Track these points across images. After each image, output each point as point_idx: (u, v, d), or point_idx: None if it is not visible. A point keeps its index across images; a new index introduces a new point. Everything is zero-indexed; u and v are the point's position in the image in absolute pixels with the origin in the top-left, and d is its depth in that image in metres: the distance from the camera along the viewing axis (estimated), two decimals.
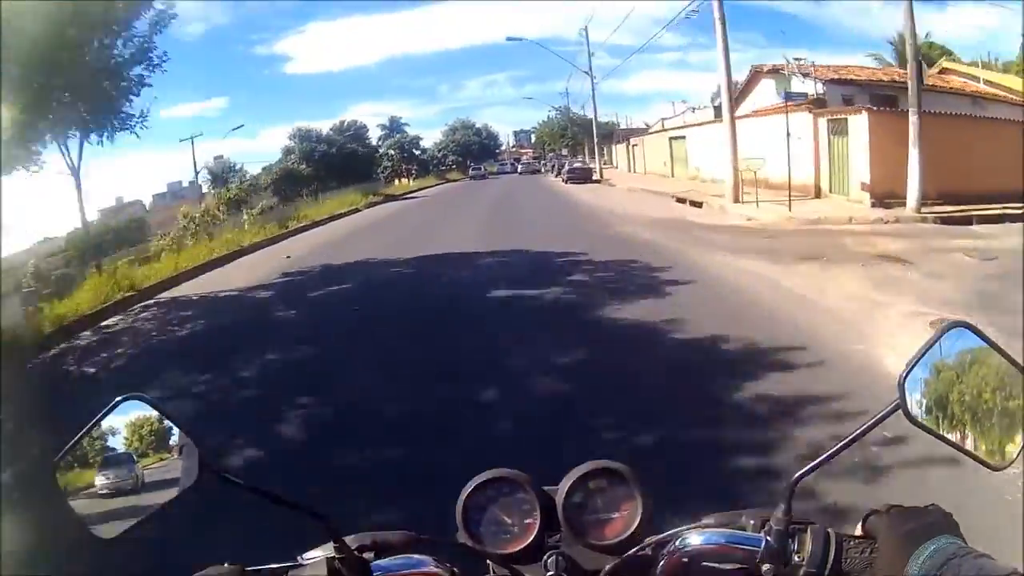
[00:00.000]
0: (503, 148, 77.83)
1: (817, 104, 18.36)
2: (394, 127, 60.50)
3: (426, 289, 9.74)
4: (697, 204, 18.58)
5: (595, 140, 40.57)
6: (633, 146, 41.08)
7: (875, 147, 14.97)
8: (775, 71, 22.88)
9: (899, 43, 27.07)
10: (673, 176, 30.32)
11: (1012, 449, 0.72)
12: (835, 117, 17.08)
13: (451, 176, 61.22)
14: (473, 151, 67.12)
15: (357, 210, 28.95)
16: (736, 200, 17.25)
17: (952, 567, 0.62)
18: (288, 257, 14.81)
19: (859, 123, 15.77)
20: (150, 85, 13.97)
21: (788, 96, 16.53)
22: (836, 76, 20.38)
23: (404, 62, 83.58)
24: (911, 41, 14.04)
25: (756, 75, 24.09)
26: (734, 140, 17.57)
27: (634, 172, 39.86)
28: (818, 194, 17.02)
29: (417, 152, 60.89)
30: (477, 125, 69.78)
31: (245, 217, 22.89)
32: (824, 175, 17.34)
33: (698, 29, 72.38)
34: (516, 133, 79.33)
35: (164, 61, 14.00)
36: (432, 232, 16.58)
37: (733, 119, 17.77)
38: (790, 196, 15.14)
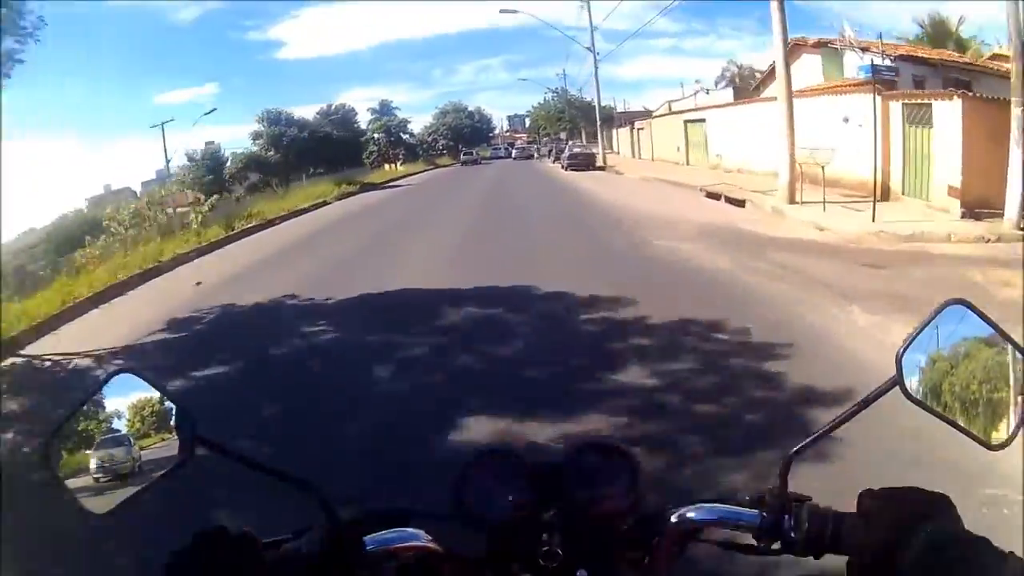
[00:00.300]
0: (496, 133, 74.18)
1: (886, 85, 14.53)
2: (384, 111, 56.68)
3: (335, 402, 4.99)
4: (738, 203, 14.77)
5: (598, 122, 36.26)
6: (638, 130, 36.96)
7: (968, 142, 11.42)
8: (822, 45, 19.06)
9: (930, 25, 24.08)
10: (688, 163, 26.51)
11: (1009, 429, 0.71)
12: (915, 102, 13.25)
13: (441, 161, 57.19)
14: (465, 135, 63.09)
15: (325, 203, 25.00)
16: (792, 200, 13.53)
17: (949, 550, 0.62)
18: (198, 284, 10.93)
19: (948, 111, 11.99)
20: (22, 61, 10.89)
21: (875, 71, 12.59)
22: (906, 53, 16.52)
23: (397, 47, 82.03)
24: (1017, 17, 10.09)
25: (796, 49, 20.20)
26: (791, 124, 13.76)
27: (639, 158, 35.94)
28: (886, 195, 13.25)
29: (406, 136, 56.83)
30: (469, 108, 65.72)
31: (193, 215, 18.81)
32: (895, 172, 13.63)
33: (692, 15, 72.96)
34: (510, 118, 76.39)
35: (39, 28, 10.81)
36: (393, 247, 12.65)
37: (790, 97, 13.92)
38: (875, 201, 11.36)
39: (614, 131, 47.90)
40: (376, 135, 53.11)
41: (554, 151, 41.50)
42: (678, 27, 67.88)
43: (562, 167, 31.80)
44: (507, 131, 75.66)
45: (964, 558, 0.61)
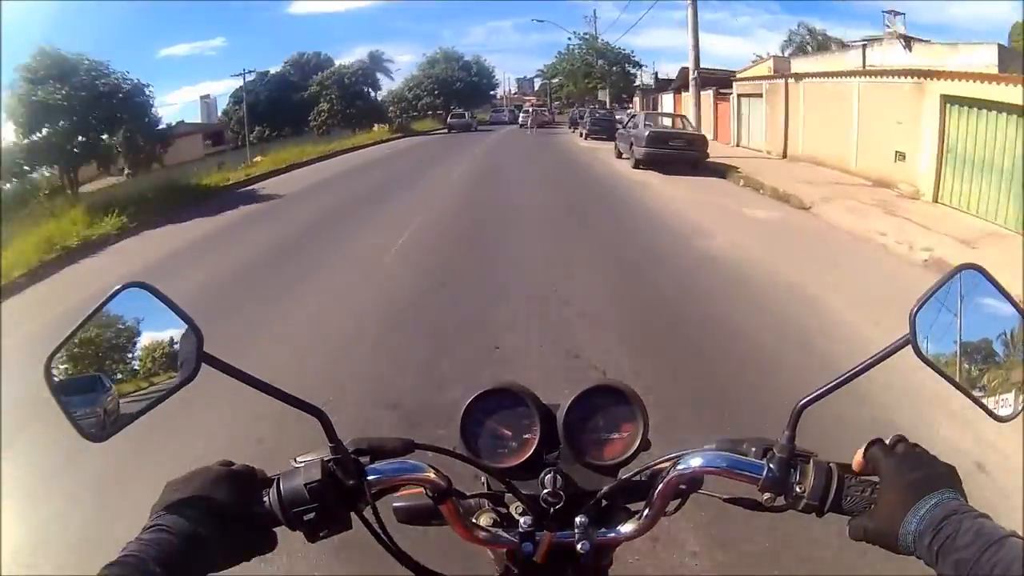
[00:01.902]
0: (501, 95, 58.57)
1: None
2: (375, 66, 44.78)
3: None
4: None
5: (695, 72, 19.43)
6: (746, 98, 20.99)
7: None
8: None
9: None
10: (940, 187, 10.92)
11: (1019, 402, 0.69)
12: None
13: (421, 125, 41.18)
14: (458, 91, 46.95)
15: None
16: None
17: (952, 523, 0.61)
18: None
19: None
20: None
21: None
22: None
23: (408, 6, 74.30)
24: None
25: None
26: None
27: (744, 146, 20.38)
28: None
29: (369, 91, 40.74)
30: (466, 58, 49.30)
31: None
32: None
33: None
34: (519, 80, 65.15)
35: None
36: None
37: None
38: None
39: (660, 98, 32.89)
40: (327, 93, 37.08)
41: (594, 122, 25.84)
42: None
43: (632, 158, 15.71)
44: (515, 93, 62.83)
45: (967, 532, 0.59)
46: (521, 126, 34.82)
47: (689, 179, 13.42)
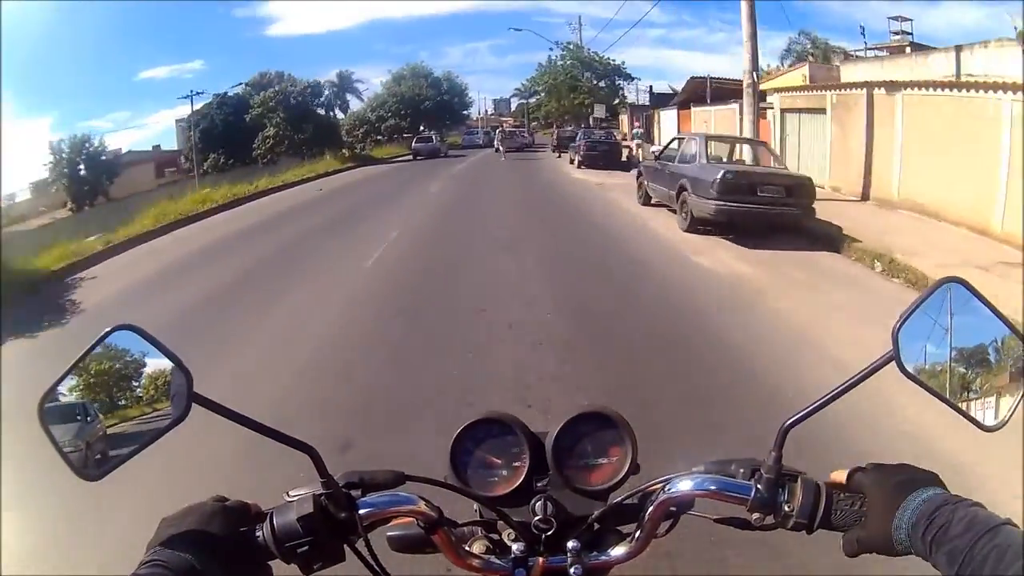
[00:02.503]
0: (476, 115, 53.80)
1: None
2: (345, 86, 41.30)
3: None
4: None
5: (752, 76, 12.70)
6: (803, 112, 15.48)
7: None
8: None
9: None
10: None
11: (1004, 411, 0.68)
12: None
13: (382, 151, 35.73)
14: (427, 111, 41.69)
15: None
16: None
17: (944, 513, 0.60)
18: None
19: None
20: None
21: None
22: None
23: (387, 26, 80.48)
24: None
25: None
26: None
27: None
28: None
29: (329, 113, 35.30)
30: (435, 73, 44.07)
31: None
32: None
33: (683, 6, 65.36)
34: (496, 101, 62.96)
35: None
36: None
37: None
38: None
39: (658, 116, 28.08)
40: (270, 114, 31.49)
41: (584, 145, 20.41)
42: (669, 17, 68.06)
43: (679, 217, 9.55)
44: (491, 114, 58.99)
45: (959, 521, 0.59)
46: (497, 150, 29.42)
47: (782, 256, 7.88)
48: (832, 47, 32.40)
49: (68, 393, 0.69)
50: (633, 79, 33.38)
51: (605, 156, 19.11)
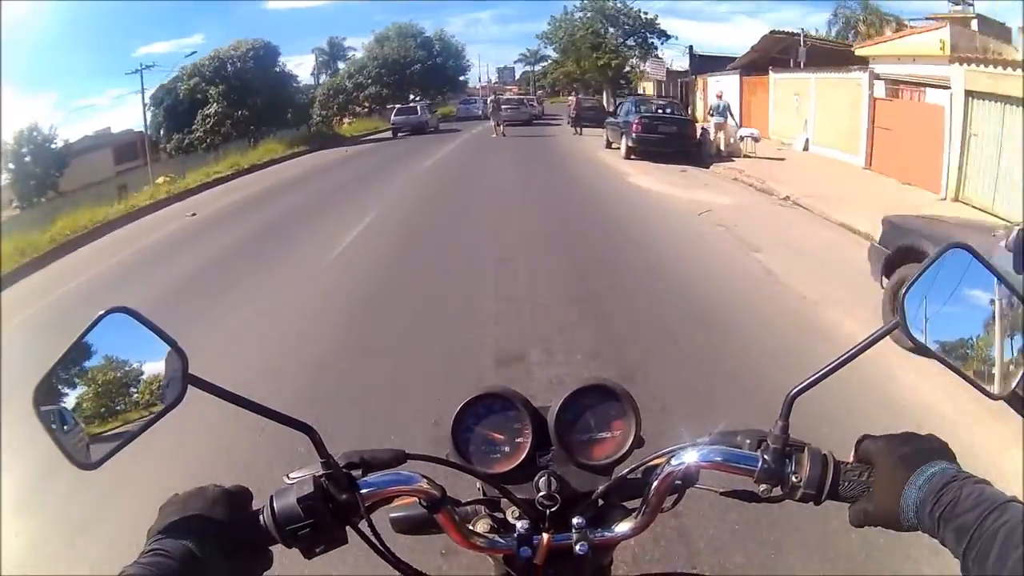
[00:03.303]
0: (476, 83, 46.58)
1: None
2: (336, 55, 36.70)
3: None
4: None
5: None
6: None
7: None
8: None
9: None
10: None
11: (1010, 378, 0.67)
12: None
13: (356, 127, 28.83)
14: (415, 77, 34.52)
15: None
16: None
17: (951, 490, 0.59)
18: None
19: None
20: None
21: None
22: None
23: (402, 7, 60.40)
24: None
25: None
26: None
27: (972, 201, 8.42)
28: None
29: (290, 83, 28.04)
30: (426, 32, 36.68)
31: None
32: None
33: None
34: (500, 70, 53.59)
35: None
36: None
37: None
38: None
39: (697, 84, 21.16)
40: (209, 89, 24.16)
41: (638, 120, 12.85)
42: None
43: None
44: (495, 83, 50.22)
45: (967, 497, 0.57)
46: (497, 126, 22.38)
47: None
48: (885, 15, 25.63)
49: (64, 380, 0.66)
50: (669, 37, 26.14)
51: (671, 142, 12.18)
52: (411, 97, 34.95)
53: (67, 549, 2.56)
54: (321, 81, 34.53)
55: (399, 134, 25.66)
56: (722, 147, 12.62)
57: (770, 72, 16.75)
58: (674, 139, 12.31)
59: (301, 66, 37.34)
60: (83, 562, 2.43)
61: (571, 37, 26.54)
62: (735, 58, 27.32)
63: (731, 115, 13.33)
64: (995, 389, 0.67)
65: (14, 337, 5.30)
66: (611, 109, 24.75)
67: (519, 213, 8.44)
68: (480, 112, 30.66)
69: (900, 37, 13.87)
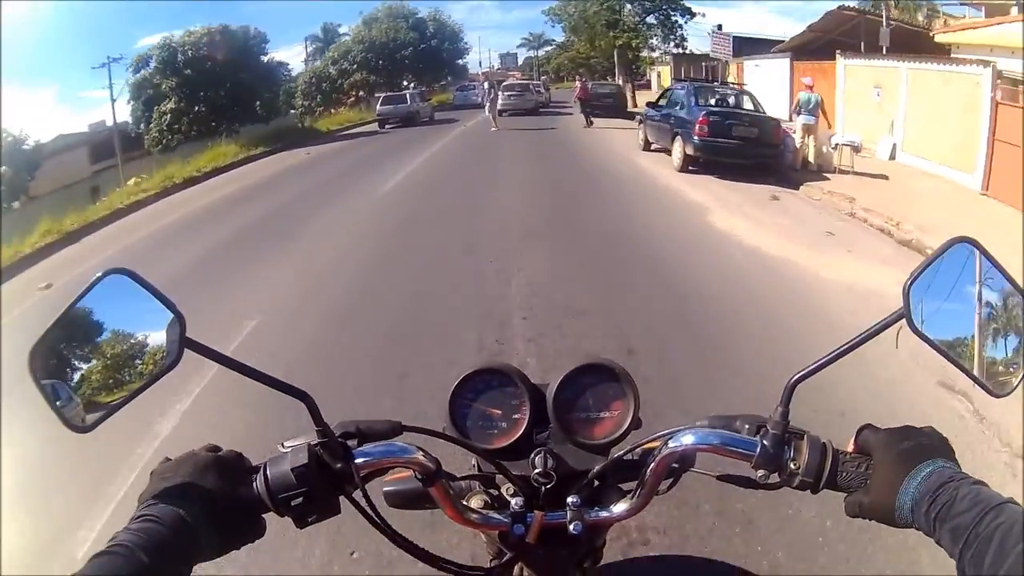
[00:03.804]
0: (476, 68, 43.78)
1: None
2: (330, 41, 33.30)
3: None
4: None
5: None
6: None
7: None
8: None
9: None
10: None
11: (1014, 376, 0.66)
12: None
13: (334, 120, 25.43)
14: (407, 61, 31.09)
15: None
16: None
17: (948, 490, 0.58)
18: None
19: None
20: None
21: None
22: None
23: None
24: None
25: None
26: None
27: None
28: None
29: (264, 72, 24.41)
30: (420, 13, 33.17)
31: None
32: None
33: None
34: (502, 56, 52.54)
35: None
36: None
37: None
38: None
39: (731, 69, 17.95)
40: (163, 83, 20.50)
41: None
42: None
43: None
44: (497, 69, 47.57)
45: (963, 498, 0.57)
46: (501, 114, 18.92)
47: None
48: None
49: (60, 343, 0.65)
50: (693, 15, 22.59)
51: (750, 150, 8.62)
52: (405, 84, 31.51)
53: (67, 549, 2.40)
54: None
55: (386, 126, 22.48)
56: (811, 158, 9.15)
57: (838, 57, 13.30)
58: (754, 146, 8.72)
59: (300, 56, 33.74)
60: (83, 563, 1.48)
61: (583, 14, 22.86)
62: (772, 40, 24.07)
63: (823, 114, 9.78)
64: (997, 387, 0.66)
65: None
66: (629, 96, 21.40)
67: (526, 324, 4.05)
68: (479, 99, 27.27)
69: (995, 24, 10.49)
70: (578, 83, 20.89)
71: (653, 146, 11.11)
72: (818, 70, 14.92)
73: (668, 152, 10.15)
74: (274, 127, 21.63)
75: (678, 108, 9.79)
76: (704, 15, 22.43)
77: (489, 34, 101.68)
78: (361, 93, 29.53)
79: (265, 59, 30.56)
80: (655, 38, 22.90)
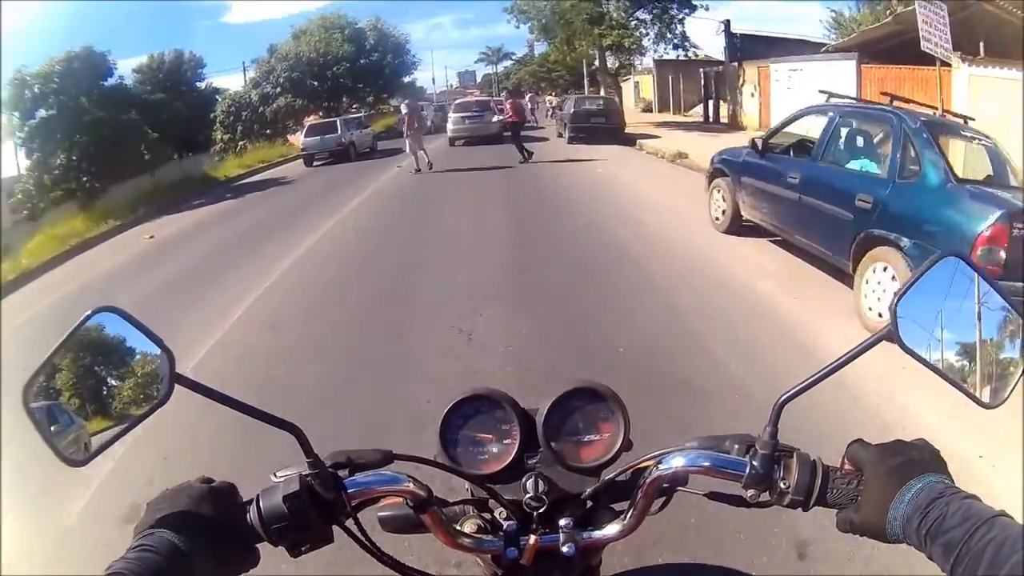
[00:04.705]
0: (430, 87, 39.35)
1: None
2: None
3: None
4: None
5: None
6: None
7: None
8: None
9: None
10: None
11: (1004, 389, 0.66)
12: None
13: (254, 156, 20.02)
14: (343, 79, 25.94)
15: None
16: None
17: (939, 506, 0.57)
18: None
19: None
20: None
21: None
22: None
23: (345, 6, 56.93)
24: None
25: None
26: None
27: None
28: None
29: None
30: (359, 24, 28.00)
31: None
32: None
33: None
34: (460, 74, 51.73)
35: None
36: None
37: None
38: None
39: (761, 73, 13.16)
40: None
41: None
42: None
43: None
44: (456, 87, 45.31)
45: (955, 513, 0.56)
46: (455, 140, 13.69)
47: None
48: None
49: (52, 378, 0.66)
50: (695, 8, 17.82)
51: None
52: (353, 108, 26.25)
53: (67, 549, 2.40)
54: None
55: (314, 162, 17.57)
56: None
57: (957, 62, 8.58)
58: None
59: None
60: (83, 562, 2.18)
61: (556, 9, 17.83)
62: (787, 40, 19.52)
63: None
64: (988, 399, 0.65)
65: None
66: (614, 110, 16.35)
67: None
68: (430, 123, 22.20)
69: None
70: (551, 99, 16.00)
71: (745, 220, 5.82)
72: (907, 77, 10.22)
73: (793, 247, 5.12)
74: (157, 180, 15.99)
75: (874, 175, 4.23)
76: (707, 6, 17.62)
77: (447, 54, 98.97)
78: (290, 122, 24.02)
79: (202, 85, 25.78)
80: (647, 38, 17.92)
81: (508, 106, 13.47)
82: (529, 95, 26.36)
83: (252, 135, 24.01)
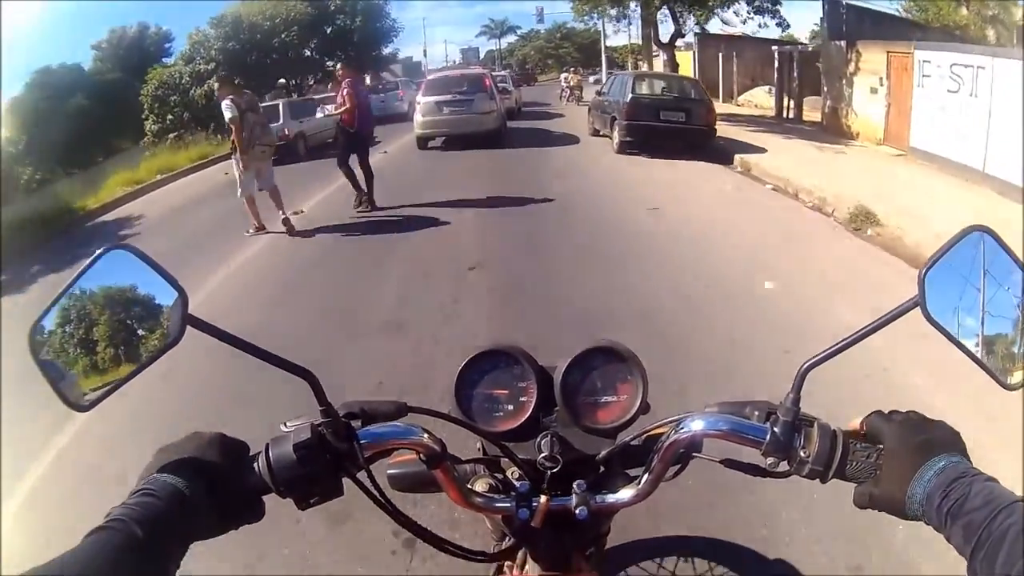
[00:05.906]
0: (435, 65, 35.78)
1: None
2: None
3: None
4: None
5: None
6: None
7: None
8: None
9: None
10: None
11: None
12: None
13: (173, 159, 14.28)
14: (292, 54, 20.19)
15: None
16: None
17: (961, 486, 0.56)
18: None
19: None
20: None
21: None
22: None
23: None
24: None
25: None
26: None
27: None
28: None
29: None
30: None
31: None
32: None
33: None
34: (464, 51, 47.23)
35: None
36: None
37: None
38: None
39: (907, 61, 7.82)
40: None
41: None
42: None
43: None
44: (458, 63, 40.35)
45: (977, 495, 0.55)
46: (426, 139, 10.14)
47: None
48: None
49: (61, 319, 0.63)
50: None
51: None
52: (310, 85, 20.79)
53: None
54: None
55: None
56: None
57: None
58: None
59: None
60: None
61: None
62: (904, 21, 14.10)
63: None
64: (1010, 379, 0.63)
65: None
66: (700, 101, 10.66)
67: None
68: (406, 108, 16.96)
69: None
70: (571, 76, 12.22)
71: None
72: None
73: None
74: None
75: None
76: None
77: (451, 30, 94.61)
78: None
79: (171, 62, 21.05)
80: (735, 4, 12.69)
81: (571, 78, 9.68)
82: (565, 74, 20.91)
83: (183, 125, 18.46)
